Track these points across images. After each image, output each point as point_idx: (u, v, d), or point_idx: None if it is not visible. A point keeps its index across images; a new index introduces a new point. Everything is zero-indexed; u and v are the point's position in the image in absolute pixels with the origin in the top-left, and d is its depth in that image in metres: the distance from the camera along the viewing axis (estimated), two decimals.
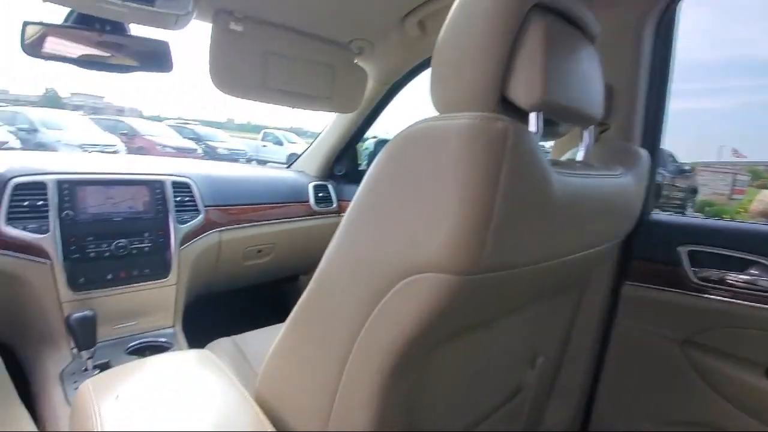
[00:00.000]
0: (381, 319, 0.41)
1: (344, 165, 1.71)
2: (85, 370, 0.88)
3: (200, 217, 1.19)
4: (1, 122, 8.22)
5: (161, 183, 1.13)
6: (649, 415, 0.92)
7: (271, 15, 0.97)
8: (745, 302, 0.76)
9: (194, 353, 0.71)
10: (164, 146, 10.49)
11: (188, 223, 1.15)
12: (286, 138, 14.45)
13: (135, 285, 1.04)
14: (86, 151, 8.13)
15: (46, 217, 0.94)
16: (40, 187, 0.95)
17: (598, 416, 0.98)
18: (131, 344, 1.00)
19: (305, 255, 1.65)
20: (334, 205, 1.63)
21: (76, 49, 0.87)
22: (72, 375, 0.87)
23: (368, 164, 1.76)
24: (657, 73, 0.86)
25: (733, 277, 0.77)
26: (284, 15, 0.98)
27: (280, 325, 1.15)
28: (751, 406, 0.78)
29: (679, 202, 9.02)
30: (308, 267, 1.75)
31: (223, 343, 1.03)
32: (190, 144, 11.31)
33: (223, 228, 1.27)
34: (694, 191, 9.76)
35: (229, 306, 1.63)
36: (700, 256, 0.82)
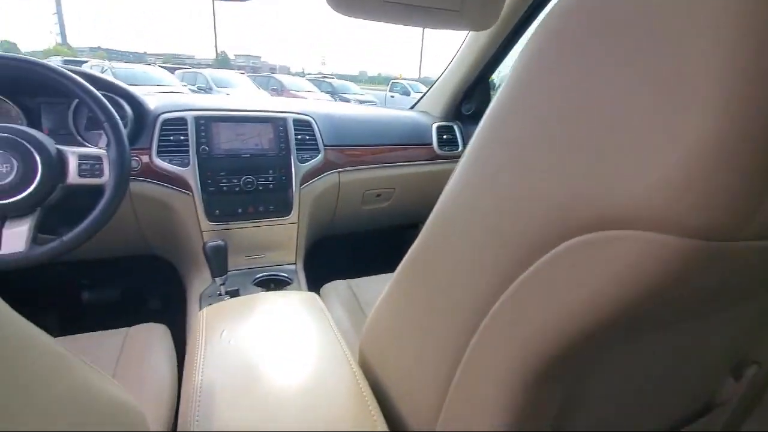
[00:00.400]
0: (532, 291, 0.26)
1: (474, 103, 1.49)
2: (219, 294, 0.95)
3: (319, 156, 1.16)
4: (186, 82, 9.97)
5: (284, 120, 1.12)
6: None
7: None
8: None
9: (303, 296, 0.67)
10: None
11: (308, 162, 1.13)
12: (413, 88, 14.28)
13: (261, 220, 1.07)
14: None
15: (187, 152, 1.00)
16: (182, 122, 1.02)
17: None
18: (258, 276, 1.05)
19: (426, 202, 1.54)
20: (461, 149, 1.45)
21: None
22: (209, 297, 0.95)
23: None
24: None
25: None
26: None
27: (399, 280, 1.08)
28: None
29: None
30: (428, 214, 1.64)
31: (339, 286, 1.01)
32: (326, 97, 12.06)
33: (342, 169, 1.23)
34: None
35: (348, 249, 1.65)
36: None
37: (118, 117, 0.80)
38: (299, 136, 1.13)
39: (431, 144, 1.40)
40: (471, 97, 1.48)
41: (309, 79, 15.08)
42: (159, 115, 1.02)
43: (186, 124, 1.02)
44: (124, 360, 0.70)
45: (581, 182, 0.23)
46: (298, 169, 1.11)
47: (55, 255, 0.74)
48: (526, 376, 0.27)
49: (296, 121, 1.14)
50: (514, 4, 1.14)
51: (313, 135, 1.17)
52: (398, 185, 1.37)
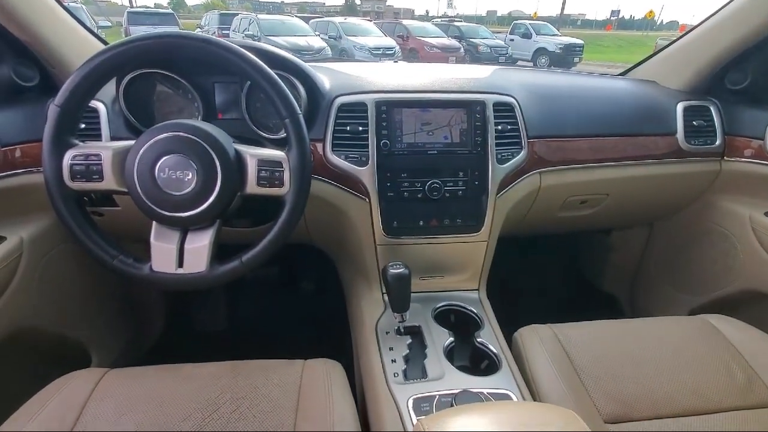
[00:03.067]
0: None
1: (750, 72, 0.99)
2: (398, 332, 0.78)
3: (522, 153, 0.86)
4: (319, 31, 10.16)
5: (482, 104, 0.84)
6: None
7: None
8: None
9: (557, 415, 0.43)
10: (432, 47, 10.76)
11: (509, 162, 0.85)
12: (536, 29, 12.37)
13: (445, 236, 0.85)
14: (375, 53, 9.23)
15: (366, 147, 0.80)
16: (361, 108, 0.81)
17: None
18: (438, 306, 0.85)
19: (648, 208, 1.14)
20: (718, 143, 0.99)
21: None
22: (387, 334, 0.78)
23: None
24: None
25: None
26: None
27: (614, 322, 0.77)
28: None
29: None
30: (639, 221, 1.24)
31: (542, 332, 0.76)
32: (454, 42, 11.18)
33: (545, 168, 0.92)
34: None
35: (518, 253, 1.36)
36: None
37: (300, 113, 0.63)
38: (499, 126, 0.84)
39: (674, 133, 0.98)
40: (746, 64, 0.98)
41: (435, 23, 14.15)
42: (335, 98, 0.82)
43: (366, 111, 0.81)
44: (303, 405, 0.62)
45: None
46: (496, 172, 0.83)
47: (233, 277, 0.64)
48: None
49: (497, 105, 0.85)
50: None
51: (516, 124, 0.86)
52: (615, 190, 1.00)
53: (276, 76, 0.62)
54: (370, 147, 0.80)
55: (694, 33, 1.03)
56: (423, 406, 0.64)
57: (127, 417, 0.58)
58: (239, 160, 0.62)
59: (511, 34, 13.20)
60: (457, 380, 0.68)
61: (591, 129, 0.94)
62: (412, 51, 10.93)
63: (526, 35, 12.55)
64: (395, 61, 1.18)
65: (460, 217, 0.84)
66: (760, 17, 0.88)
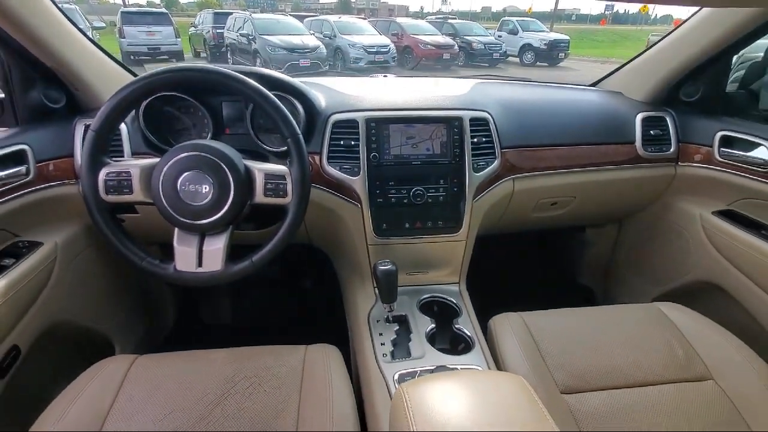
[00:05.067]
0: None
1: (702, 86, 1.11)
2: (387, 320, 0.89)
3: (496, 162, 0.98)
4: (314, 30, 10.20)
5: (460, 120, 0.95)
6: None
7: None
8: None
9: (508, 380, 0.54)
10: (426, 44, 10.82)
11: (484, 171, 0.96)
12: (522, 26, 12.49)
13: (428, 236, 0.96)
14: (369, 52, 9.30)
15: (357, 159, 0.91)
16: (353, 125, 0.92)
17: None
18: (422, 297, 0.97)
19: (612, 208, 1.26)
20: (672, 150, 1.11)
21: None
22: (377, 322, 0.90)
23: (745, 85, 1.10)
24: None
25: None
26: None
27: (577, 310, 0.89)
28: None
29: None
30: (606, 219, 1.36)
31: (512, 320, 0.88)
32: (448, 40, 11.23)
33: (518, 175, 1.03)
34: None
35: (500, 249, 1.47)
36: None
37: (300, 133, 0.73)
38: (475, 139, 0.96)
39: (633, 141, 1.09)
40: (698, 79, 1.10)
41: (430, 21, 14.20)
42: (330, 115, 0.93)
43: (357, 127, 0.92)
44: (306, 383, 0.72)
45: None
46: (472, 179, 0.95)
47: (245, 274, 0.75)
48: None
49: (473, 120, 0.96)
50: None
51: (490, 136, 0.98)
52: (581, 193, 1.12)
53: (277, 101, 0.73)
54: (361, 159, 0.91)
55: (655, 48, 1.14)
56: (406, 379, 0.76)
57: (158, 395, 0.69)
58: (248, 175, 0.73)
59: (499, 30, 13.30)
60: (436, 359, 0.80)
61: (559, 139, 1.06)
62: (407, 49, 10.99)
63: (513, 32, 12.66)
64: (385, 75, 1.28)
65: (441, 220, 0.95)
66: (709, 38, 0.99)
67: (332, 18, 10.92)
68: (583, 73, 10.40)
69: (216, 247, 0.73)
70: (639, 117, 1.11)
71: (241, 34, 9.09)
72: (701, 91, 1.11)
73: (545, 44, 11.61)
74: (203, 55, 10.92)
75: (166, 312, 1.38)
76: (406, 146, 0.94)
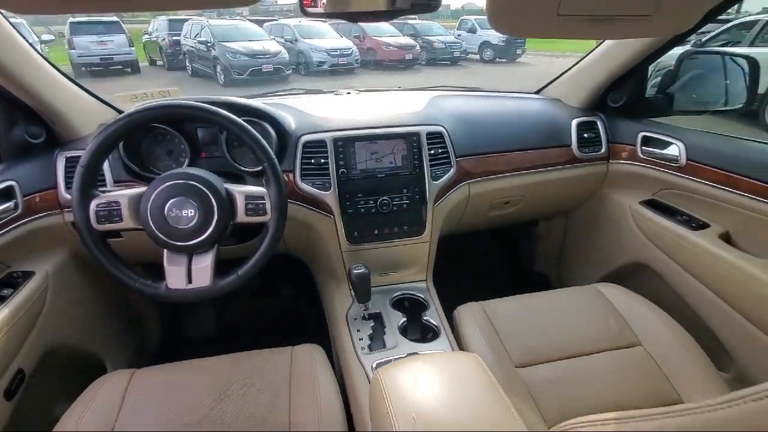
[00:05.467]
0: None
1: (625, 93, 1.27)
2: (364, 318, 1.00)
3: (452, 170, 1.10)
4: (274, 35, 10.12)
5: (417, 135, 1.06)
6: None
7: None
8: None
9: (465, 358, 0.66)
10: (388, 45, 10.99)
11: (441, 178, 1.08)
12: (480, 25, 12.93)
13: (395, 241, 1.07)
14: (332, 55, 9.33)
15: (328, 175, 1.01)
16: (322, 145, 1.02)
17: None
18: (394, 295, 1.07)
19: (557, 204, 1.41)
20: (603, 150, 1.27)
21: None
22: (355, 320, 1.00)
23: (660, 88, 1.27)
24: None
25: None
26: None
27: (529, 295, 1.02)
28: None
29: None
30: (555, 213, 1.51)
31: (474, 309, 1.00)
32: (410, 41, 11.43)
33: (473, 180, 1.16)
34: None
35: (465, 247, 1.61)
36: None
37: (274, 157, 0.82)
38: (432, 151, 1.08)
39: (570, 145, 1.25)
40: (622, 86, 1.26)
41: (391, 23, 14.34)
42: (300, 136, 1.02)
43: (326, 146, 1.02)
44: (295, 380, 0.80)
45: None
46: (432, 187, 1.06)
47: (233, 288, 0.82)
48: None
49: (429, 135, 1.08)
50: None
51: (446, 148, 1.10)
52: (529, 192, 1.26)
53: (251, 130, 0.81)
54: (331, 175, 1.01)
55: (586, 60, 1.30)
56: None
57: (159, 402, 0.76)
58: (230, 197, 0.81)
59: (458, 29, 13.65)
60: (408, 347, 0.91)
61: (506, 146, 1.19)
62: (370, 51, 11.11)
63: (472, 30, 13.04)
64: (349, 92, 1.38)
65: (406, 225, 1.07)
66: (628, 52, 1.15)
67: (292, 22, 10.86)
68: (540, 68, 10.85)
69: (204, 265, 0.80)
70: (574, 122, 1.26)
71: (200, 42, 8.90)
72: (625, 97, 1.27)
73: (503, 41, 12.04)
74: (159, 62, 10.59)
75: (152, 329, 1.43)
76: (371, 161, 1.04)
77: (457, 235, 1.33)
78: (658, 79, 1.34)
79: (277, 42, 9.44)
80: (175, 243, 0.78)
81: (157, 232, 0.77)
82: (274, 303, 1.67)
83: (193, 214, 0.77)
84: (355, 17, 0.82)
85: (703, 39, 7.16)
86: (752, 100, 1.16)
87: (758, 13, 6.76)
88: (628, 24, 0.77)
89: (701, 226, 1.06)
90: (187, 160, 0.99)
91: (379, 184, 1.04)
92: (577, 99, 1.33)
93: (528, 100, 1.40)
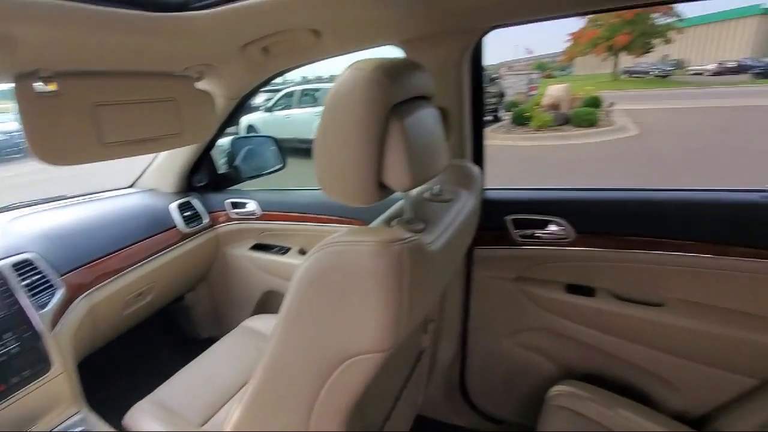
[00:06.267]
0: (332, 390, 0.56)
1: (204, 174, 1.61)
2: None
3: (60, 291, 1.05)
4: None
5: (0, 273, 0.95)
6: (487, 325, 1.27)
7: (89, 64, 0.83)
8: (548, 247, 1.11)
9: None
10: None
11: (50, 305, 1.01)
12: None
13: (19, 393, 0.91)
14: None
15: None
16: None
17: (472, 338, 1.32)
18: None
19: (188, 277, 1.59)
20: (207, 220, 1.56)
21: None
22: None
23: (228, 164, 1.69)
24: (476, 96, 1.07)
25: (539, 232, 1.11)
26: (105, 61, 0.85)
27: (189, 367, 1.16)
28: (557, 311, 1.17)
29: (493, 107, 10.61)
30: (193, 284, 1.69)
31: (145, 406, 1.02)
32: None
33: (92, 289, 1.15)
34: (501, 95, 11.57)
35: (122, 351, 1.51)
36: (520, 221, 1.13)
37: None
38: (27, 281, 0.99)
39: (175, 226, 1.45)
40: (199, 169, 1.59)
41: None
42: None
43: None
44: None
45: (342, 340, 0.53)
46: (42, 318, 0.98)
47: None
48: (341, 413, 0.57)
49: (16, 266, 0.98)
50: (221, 107, 1.31)
51: (41, 272, 1.03)
52: (156, 277, 1.37)
53: None
54: None
55: (168, 153, 1.52)
56: None
57: None
58: None
59: None
60: None
61: (114, 246, 1.25)
62: None
63: None
64: None
65: (26, 369, 0.92)
66: (188, 147, 1.46)
67: None
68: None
69: None
70: (172, 206, 1.48)
71: None
72: (207, 176, 1.62)
73: None
74: None
75: None
76: None
77: (111, 343, 1.26)
78: (225, 158, 1.78)
79: None
80: None
81: None
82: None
83: None
84: None
85: (269, 104, 9.41)
86: (284, 162, 1.77)
87: (294, 85, 9.57)
88: (166, 140, 1.05)
89: (288, 250, 1.54)
90: None
91: None
92: (169, 185, 1.56)
93: (124, 197, 1.49)
